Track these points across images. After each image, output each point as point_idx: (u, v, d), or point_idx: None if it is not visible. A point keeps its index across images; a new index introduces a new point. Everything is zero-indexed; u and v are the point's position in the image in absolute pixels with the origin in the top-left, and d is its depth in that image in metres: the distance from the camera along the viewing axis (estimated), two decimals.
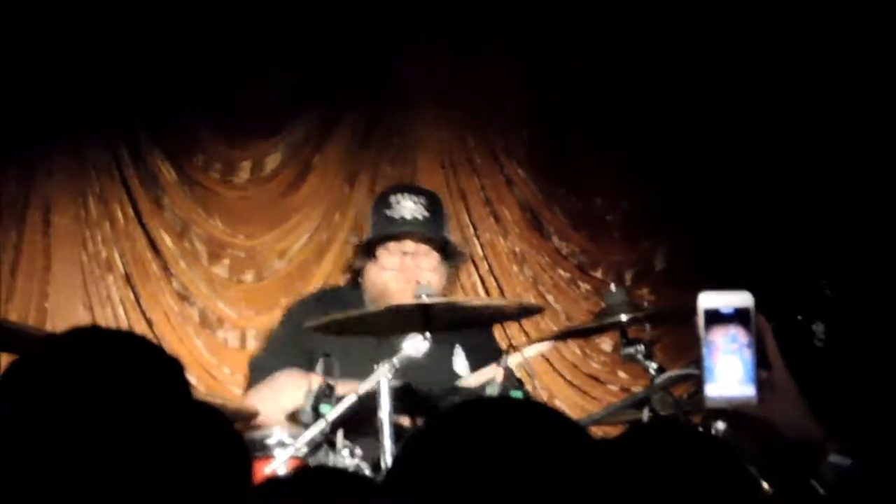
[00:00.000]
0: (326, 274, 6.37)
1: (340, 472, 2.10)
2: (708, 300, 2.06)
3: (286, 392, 4.25)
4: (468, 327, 4.46)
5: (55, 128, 6.43)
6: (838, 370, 5.49)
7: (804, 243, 6.40)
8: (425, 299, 3.96)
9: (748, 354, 2.04)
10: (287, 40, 6.48)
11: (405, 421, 4.10)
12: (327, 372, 3.97)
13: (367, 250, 4.57)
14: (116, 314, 6.51)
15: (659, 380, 4.09)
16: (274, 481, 2.20)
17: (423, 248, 4.50)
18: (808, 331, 5.59)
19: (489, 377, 4.14)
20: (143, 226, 6.57)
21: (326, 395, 3.91)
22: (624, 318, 4.26)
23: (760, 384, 2.04)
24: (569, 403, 6.41)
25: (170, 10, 6.38)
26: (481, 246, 6.66)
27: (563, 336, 4.76)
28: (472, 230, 6.65)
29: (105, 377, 1.77)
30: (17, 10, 6.25)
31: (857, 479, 2.08)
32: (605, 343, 6.57)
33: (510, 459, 1.77)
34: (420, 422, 4.07)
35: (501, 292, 6.58)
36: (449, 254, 4.56)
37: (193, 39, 6.42)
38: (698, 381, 2.07)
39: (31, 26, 6.29)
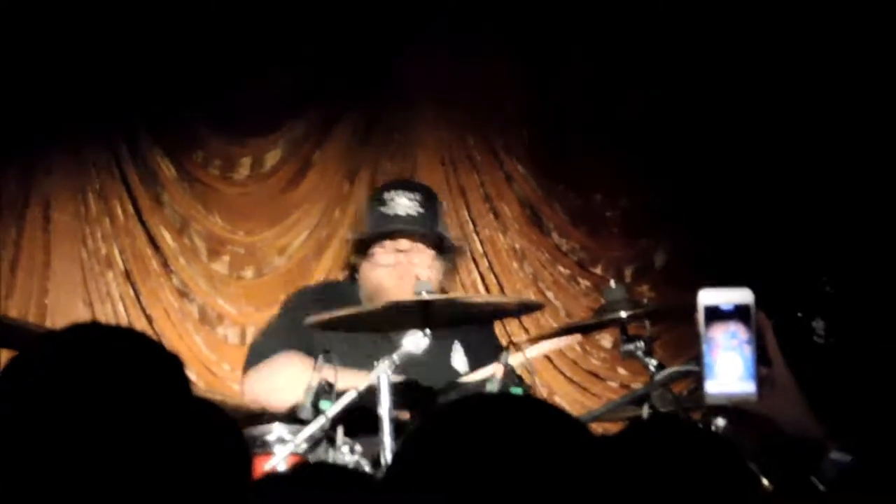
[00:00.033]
0: (326, 270, 6.37)
1: (340, 469, 2.10)
2: (708, 297, 2.06)
3: (287, 372, 4.25)
4: (468, 324, 4.46)
5: (55, 125, 6.43)
6: (838, 367, 5.49)
7: (804, 240, 6.41)
8: (425, 296, 3.96)
9: (748, 351, 2.04)
10: (287, 40, 6.48)
11: (405, 415, 4.10)
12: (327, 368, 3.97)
13: (363, 247, 4.57)
14: (116, 311, 6.51)
15: (659, 376, 4.09)
16: (273, 477, 2.20)
17: (418, 245, 4.51)
18: (808, 327, 5.59)
19: (489, 375, 4.14)
20: (142, 222, 6.57)
21: (326, 391, 3.91)
22: (624, 314, 4.25)
23: (760, 381, 2.04)
24: (569, 400, 6.41)
25: (170, 9, 6.38)
26: (481, 242, 6.66)
27: (563, 333, 4.75)
28: (471, 227, 6.65)
29: (105, 373, 1.77)
30: (18, 9, 6.25)
31: (857, 476, 2.08)
32: (605, 340, 6.57)
33: (510, 456, 1.77)
34: (419, 418, 4.07)
35: (501, 289, 6.58)
36: (445, 249, 4.56)
37: (193, 37, 6.42)
38: (698, 378, 2.07)
39: (31, 24, 6.29)
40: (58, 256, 6.49)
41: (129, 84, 6.43)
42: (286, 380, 4.17)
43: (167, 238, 6.57)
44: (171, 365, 1.82)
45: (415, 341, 3.95)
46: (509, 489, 1.75)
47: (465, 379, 4.38)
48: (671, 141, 6.58)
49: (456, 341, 4.49)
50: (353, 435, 3.96)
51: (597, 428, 4.60)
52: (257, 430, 4.02)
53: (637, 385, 5.47)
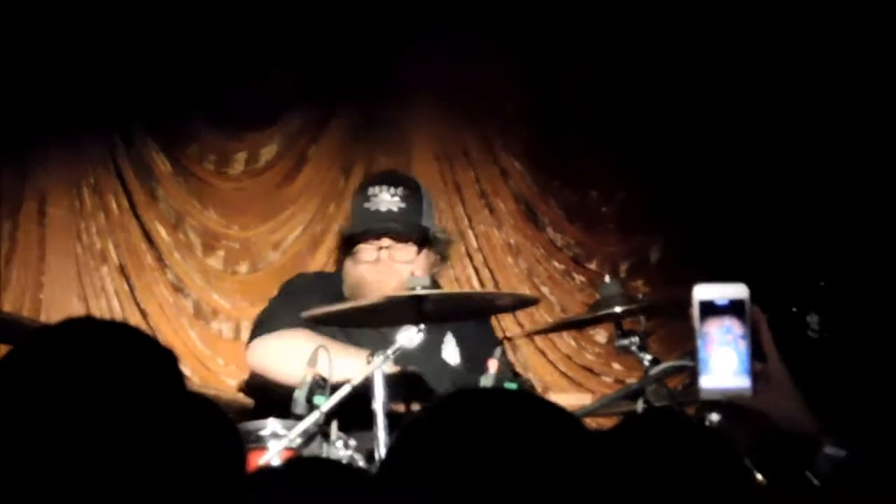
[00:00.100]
0: (321, 265, 6.37)
1: (333, 463, 2.09)
2: (703, 292, 2.06)
3: (295, 343, 4.25)
4: (463, 319, 4.47)
5: (50, 120, 6.42)
6: (833, 362, 5.50)
7: (799, 235, 6.41)
8: (419, 291, 3.96)
9: (743, 346, 2.04)
10: (286, 40, 6.47)
11: (401, 407, 4.11)
12: (322, 362, 3.97)
13: (347, 243, 4.59)
14: (111, 305, 6.51)
15: (653, 371, 4.10)
16: (266, 471, 2.20)
17: (400, 240, 4.52)
18: (803, 322, 5.59)
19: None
20: (137, 217, 6.56)
21: (320, 386, 3.91)
22: (618, 309, 4.26)
23: (755, 376, 2.04)
24: (563, 395, 6.41)
25: (166, 4, 6.38)
26: (476, 238, 6.66)
27: (557, 328, 4.76)
28: (466, 222, 6.65)
29: (99, 368, 1.77)
30: (15, 4, 6.24)
31: (851, 471, 2.08)
32: (600, 335, 6.57)
33: (504, 450, 1.77)
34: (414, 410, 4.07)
35: (496, 284, 6.58)
36: (430, 242, 4.56)
37: (190, 32, 6.41)
38: (693, 373, 2.07)
39: (27, 19, 6.28)
40: (52, 251, 6.49)
41: (124, 79, 6.42)
42: (294, 350, 4.17)
43: (162, 233, 6.56)
44: (166, 360, 1.82)
45: (409, 336, 3.96)
46: (503, 484, 1.75)
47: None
48: (669, 140, 6.59)
49: (449, 333, 4.49)
50: (348, 430, 3.96)
51: (591, 423, 4.60)
52: (251, 424, 4.02)
53: (632, 380, 5.47)
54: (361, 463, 3.90)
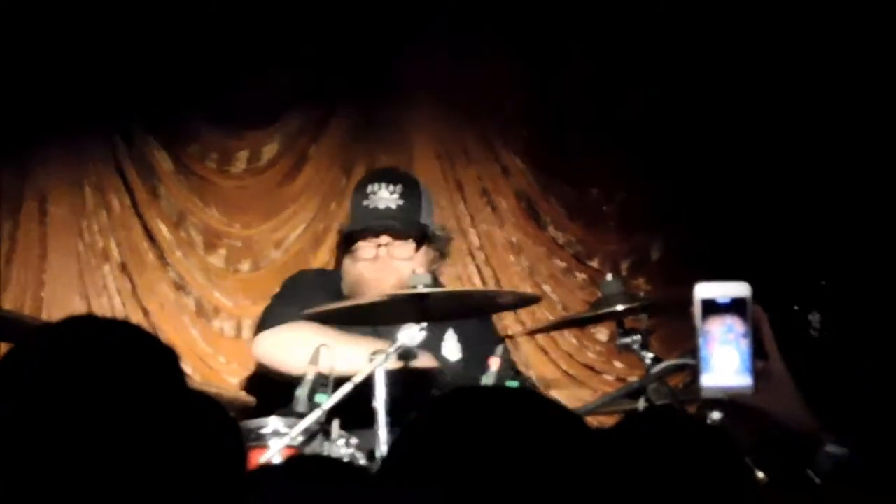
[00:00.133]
0: (323, 264, 6.37)
1: (334, 462, 2.09)
2: (705, 290, 2.06)
3: (302, 334, 4.26)
4: (464, 317, 4.47)
5: (52, 118, 6.42)
6: (834, 360, 5.50)
7: (801, 234, 6.41)
8: (421, 289, 3.96)
9: (744, 344, 2.04)
10: (287, 40, 6.47)
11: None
12: (324, 360, 3.98)
13: (346, 241, 4.60)
14: (112, 304, 6.50)
15: (655, 370, 4.10)
16: (267, 469, 2.20)
17: (398, 237, 4.53)
18: (804, 321, 5.59)
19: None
20: (139, 215, 6.56)
21: (322, 384, 3.92)
22: (620, 308, 4.27)
23: (756, 374, 2.04)
24: (564, 393, 6.41)
25: (168, 4, 6.38)
26: (478, 236, 6.65)
27: (559, 326, 4.76)
28: (468, 220, 6.65)
29: (100, 366, 1.77)
30: (15, 2, 6.24)
31: (852, 469, 2.08)
32: (601, 333, 6.57)
33: (506, 449, 1.77)
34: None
35: (498, 282, 6.58)
36: (429, 238, 4.57)
37: (191, 31, 6.41)
38: (694, 371, 2.07)
39: (28, 18, 6.28)
40: (54, 249, 6.48)
41: (125, 77, 6.42)
42: (301, 341, 4.18)
43: (164, 231, 6.56)
44: (167, 358, 1.82)
45: (410, 334, 3.96)
46: (505, 482, 1.75)
47: None
48: (670, 139, 6.58)
49: (450, 329, 4.50)
50: (349, 428, 3.96)
51: (592, 421, 4.60)
52: (253, 422, 4.03)
53: (633, 378, 5.47)
54: (363, 461, 3.90)
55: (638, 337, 4.25)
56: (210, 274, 6.57)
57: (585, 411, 4.35)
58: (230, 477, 1.84)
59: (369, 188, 4.59)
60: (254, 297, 6.40)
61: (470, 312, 4.50)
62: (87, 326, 1.86)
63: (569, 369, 6.57)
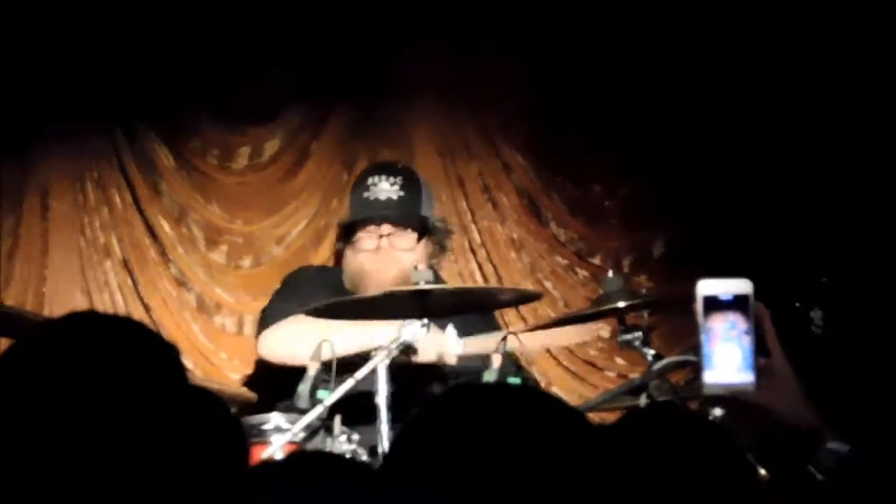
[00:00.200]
0: (324, 260, 6.37)
1: (336, 458, 2.09)
2: (707, 287, 2.06)
3: (304, 327, 4.27)
4: (466, 313, 4.47)
5: (53, 114, 6.41)
6: (836, 357, 5.49)
7: (803, 231, 6.41)
8: (423, 285, 3.96)
9: (747, 341, 2.04)
10: (287, 39, 6.47)
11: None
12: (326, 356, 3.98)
13: (346, 232, 4.60)
14: (114, 300, 6.50)
15: (656, 366, 4.10)
16: (268, 465, 2.20)
17: (400, 228, 4.53)
18: (806, 318, 5.59)
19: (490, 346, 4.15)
20: (140, 211, 6.56)
21: (324, 380, 3.92)
22: (622, 304, 4.26)
23: (758, 371, 2.04)
24: (566, 389, 6.41)
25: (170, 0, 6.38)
26: (479, 232, 6.65)
27: (560, 323, 4.75)
28: (469, 217, 6.64)
29: (101, 362, 1.77)
30: None
31: (854, 466, 2.08)
32: (603, 330, 6.56)
33: (507, 446, 1.77)
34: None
35: (499, 279, 6.58)
36: (429, 231, 4.58)
37: (192, 26, 6.41)
38: (696, 368, 2.07)
39: (29, 12, 6.27)
40: (56, 245, 6.48)
41: (126, 73, 6.41)
42: (303, 334, 4.19)
43: (165, 227, 6.55)
44: (168, 354, 1.82)
45: (413, 331, 3.96)
46: (506, 479, 1.75)
47: (469, 343, 4.37)
48: (670, 136, 6.58)
49: (450, 324, 4.50)
50: (351, 424, 3.96)
51: (594, 418, 4.61)
52: (255, 418, 4.03)
53: (635, 375, 5.47)
54: (364, 457, 3.91)
55: (639, 334, 4.25)
56: (211, 270, 6.57)
57: (587, 408, 4.35)
58: (232, 473, 1.84)
59: (370, 180, 4.60)
60: (255, 293, 6.40)
61: (471, 309, 4.50)
62: (89, 322, 1.85)
63: (570, 365, 6.57)
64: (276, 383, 4.44)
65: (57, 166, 6.47)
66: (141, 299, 6.50)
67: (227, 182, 6.63)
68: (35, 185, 6.46)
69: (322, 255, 6.45)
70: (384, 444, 3.87)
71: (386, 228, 4.54)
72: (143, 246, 6.53)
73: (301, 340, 4.19)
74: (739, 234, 6.50)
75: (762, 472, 2.59)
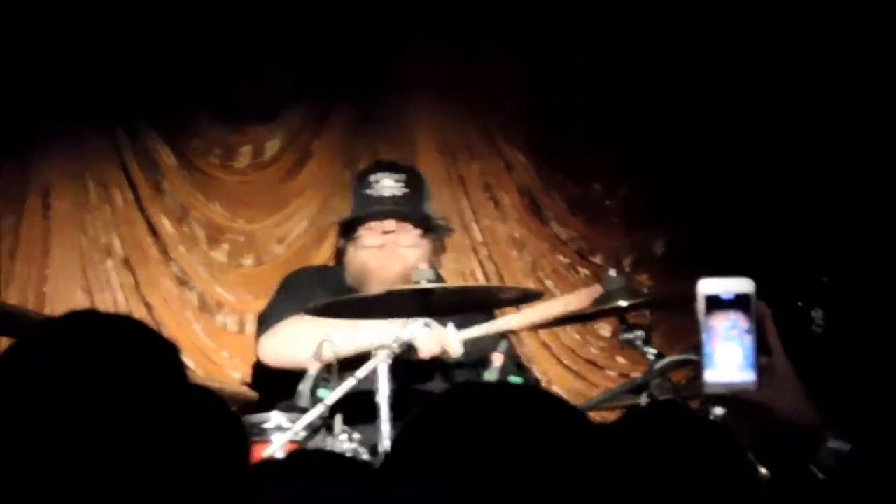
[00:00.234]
0: (325, 259, 6.37)
1: (337, 456, 2.09)
2: (708, 286, 2.06)
3: (302, 328, 4.27)
4: (467, 312, 4.47)
5: (54, 112, 6.42)
6: (837, 357, 5.49)
7: (804, 230, 6.41)
8: (424, 284, 3.96)
9: (748, 341, 2.04)
10: (287, 39, 6.47)
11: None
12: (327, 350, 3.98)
13: (349, 230, 4.60)
14: (115, 299, 6.50)
15: (657, 365, 4.10)
16: (268, 464, 2.20)
17: (404, 225, 4.53)
18: (808, 317, 5.59)
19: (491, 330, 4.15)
20: (142, 210, 6.56)
21: (325, 379, 3.92)
22: (623, 303, 4.26)
23: (760, 370, 2.04)
24: (567, 388, 6.41)
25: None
26: (480, 231, 6.65)
27: (561, 321, 4.76)
28: (471, 215, 6.65)
29: (101, 361, 1.77)
30: None
31: (855, 465, 2.08)
32: (604, 328, 6.57)
33: (508, 445, 1.77)
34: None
35: (501, 278, 6.58)
36: (431, 228, 4.58)
37: (193, 25, 6.41)
38: (697, 367, 2.07)
39: (30, 11, 6.28)
40: (57, 244, 6.48)
41: (128, 72, 6.42)
42: (303, 335, 4.19)
43: (167, 226, 6.56)
44: (168, 353, 1.82)
45: (414, 329, 3.96)
46: (507, 478, 1.75)
47: (468, 333, 4.37)
48: (671, 136, 6.58)
49: (450, 323, 4.50)
50: (352, 423, 3.96)
51: (595, 417, 4.60)
52: (255, 417, 4.04)
53: (636, 374, 5.47)
54: (365, 456, 3.91)
55: (641, 333, 4.25)
56: (213, 269, 6.58)
57: (588, 407, 4.35)
58: (231, 472, 1.84)
59: (372, 177, 4.60)
60: (256, 291, 6.40)
61: (472, 308, 4.50)
62: (89, 321, 1.85)
63: (571, 365, 6.57)
64: (277, 382, 4.43)
65: (58, 165, 6.48)
66: (142, 298, 6.50)
67: (228, 181, 6.63)
68: (36, 184, 6.46)
69: (324, 254, 6.45)
70: (385, 444, 3.86)
71: (390, 224, 4.54)
72: (145, 245, 6.53)
73: (301, 342, 4.19)
74: (741, 233, 6.50)
75: (763, 471, 2.59)
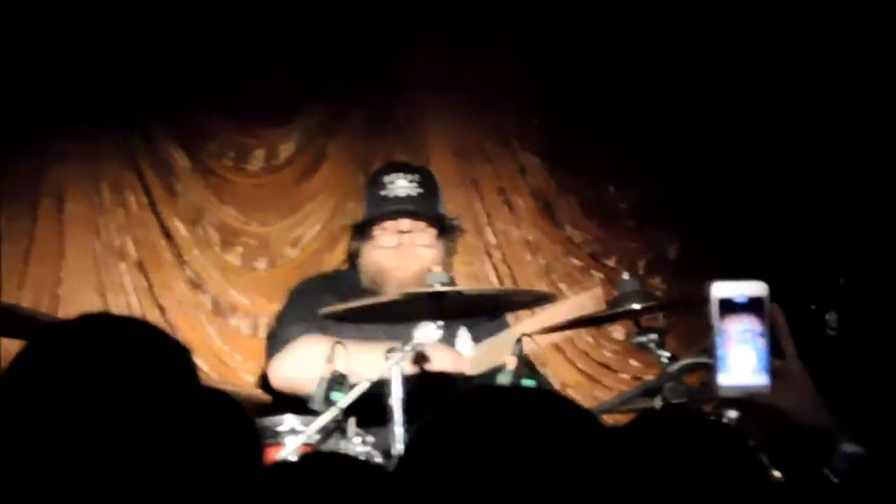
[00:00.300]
0: (339, 262, 6.37)
1: (350, 459, 2.10)
2: (721, 289, 2.06)
3: (312, 352, 4.26)
4: (480, 315, 4.47)
5: (68, 115, 6.43)
6: (851, 360, 5.49)
7: (818, 233, 6.40)
8: (438, 287, 3.96)
9: (761, 344, 2.04)
10: (297, 40, 6.48)
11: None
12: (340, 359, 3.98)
13: (363, 231, 4.60)
14: (129, 301, 6.51)
15: (671, 368, 4.10)
16: (282, 466, 2.20)
17: (419, 225, 4.53)
18: (821, 320, 5.58)
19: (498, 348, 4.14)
20: (156, 213, 6.56)
21: (338, 382, 3.92)
22: (636, 306, 4.26)
23: (773, 373, 2.04)
24: (580, 392, 6.41)
25: (185, 1, 6.39)
26: (494, 234, 6.65)
27: (575, 325, 4.75)
28: (485, 219, 6.65)
29: (113, 363, 1.77)
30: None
31: (869, 469, 2.08)
32: (618, 331, 6.56)
33: (521, 448, 1.77)
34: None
35: (514, 281, 6.58)
36: (445, 228, 4.58)
37: (207, 28, 6.42)
38: (710, 370, 2.07)
39: (44, 13, 6.29)
40: (71, 247, 6.49)
41: (142, 75, 6.43)
42: (312, 360, 4.18)
43: (180, 229, 6.56)
44: (180, 355, 1.82)
45: (427, 333, 3.96)
46: (520, 481, 1.75)
47: (477, 350, 4.37)
48: (685, 140, 6.58)
49: (462, 327, 4.50)
50: (365, 426, 3.96)
51: (609, 420, 4.60)
52: (269, 420, 4.03)
53: (649, 377, 5.47)
54: (379, 459, 3.91)
55: (654, 336, 4.25)
56: (226, 272, 6.58)
57: (601, 410, 4.35)
58: (241, 473, 1.84)
59: (386, 178, 4.60)
60: (270, 295, 6.40)
61: (486, 311, 4.50)
62: (101, 324, 1.86)
63: (585, 368, 6.57)
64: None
65: (72, 168, 6.48)
66: (155, 301, 6.50)
67: (242, 184, 6.63)
68: (50, 187, 6.47)
69: (337, 257, 6.45)
70: (398, 447, 3.86)
71: (405, 224, 4.54)
72: (159, 248, 6.54)
73: (309, 367, 4.18)
74: (754, 236, 6.49)
75: (776, 474, 2.59)
